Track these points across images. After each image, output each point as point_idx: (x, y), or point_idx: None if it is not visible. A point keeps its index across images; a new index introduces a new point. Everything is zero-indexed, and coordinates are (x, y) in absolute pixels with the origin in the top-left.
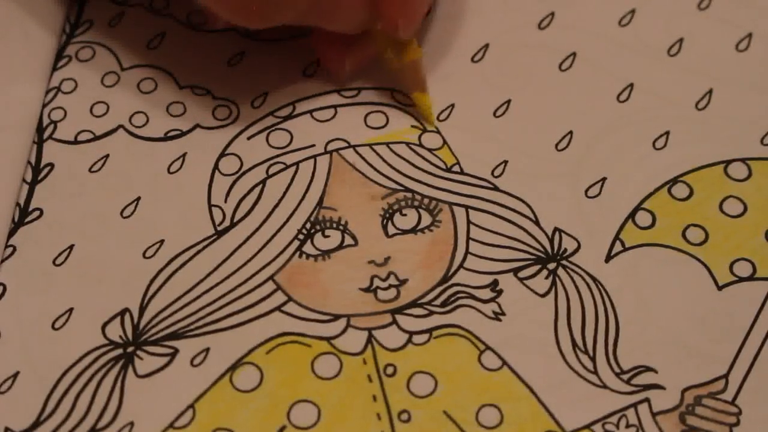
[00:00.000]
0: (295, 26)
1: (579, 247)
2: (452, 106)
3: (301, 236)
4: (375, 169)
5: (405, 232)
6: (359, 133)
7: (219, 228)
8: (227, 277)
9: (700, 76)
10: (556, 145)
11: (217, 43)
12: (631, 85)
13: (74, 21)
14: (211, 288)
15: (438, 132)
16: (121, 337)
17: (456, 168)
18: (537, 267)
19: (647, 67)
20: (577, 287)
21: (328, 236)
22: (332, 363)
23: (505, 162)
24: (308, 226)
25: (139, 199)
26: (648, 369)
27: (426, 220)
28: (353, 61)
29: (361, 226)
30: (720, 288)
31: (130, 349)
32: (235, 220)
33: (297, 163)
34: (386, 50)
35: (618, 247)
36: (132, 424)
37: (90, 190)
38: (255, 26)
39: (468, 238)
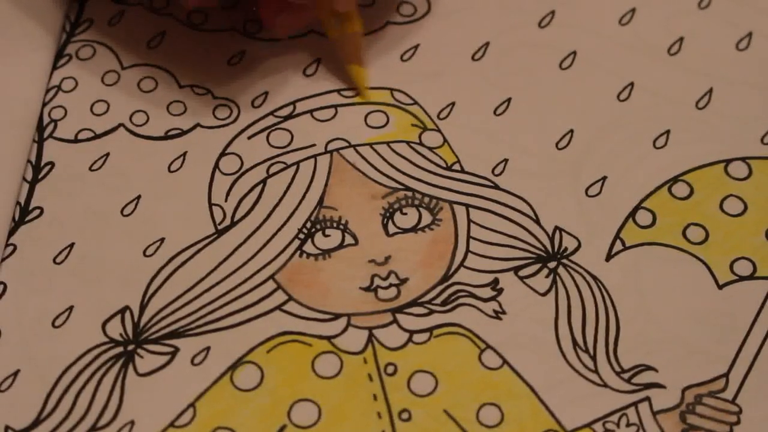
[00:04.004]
0: None
1: (579, 245)
2: (452, 104)
3: (301, 235)
4: (375, 169)
5: (405, 231)
6: (359, 132)
7: (219, 227)
8: (228, 276)
9: (700, 75)
10: (557, 144)
11: (218, 43)
12: (632, 84)
13: (74, 20)
14: (212, 287)
15: (438, 130)
16: (121, 335)
17: (456, 166)
18: (537, 266)
19: (647, 66)
20: (577, 286)
21: (328, 235)
22: (333, 362)
23: (506, 160)
24: (308, 225)
25: (139, 197)
26: (648, 368)
27: (426, 218)
28: (286, 22)
29: (361, 226)
30: (720, 287)
31: (131, 347)
32: (235, 219)
33: (297, 163)
34: (329, 20)
35: (618, 246)
36: (132, 422)
37: (90, 189)
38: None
39: (468, 237)
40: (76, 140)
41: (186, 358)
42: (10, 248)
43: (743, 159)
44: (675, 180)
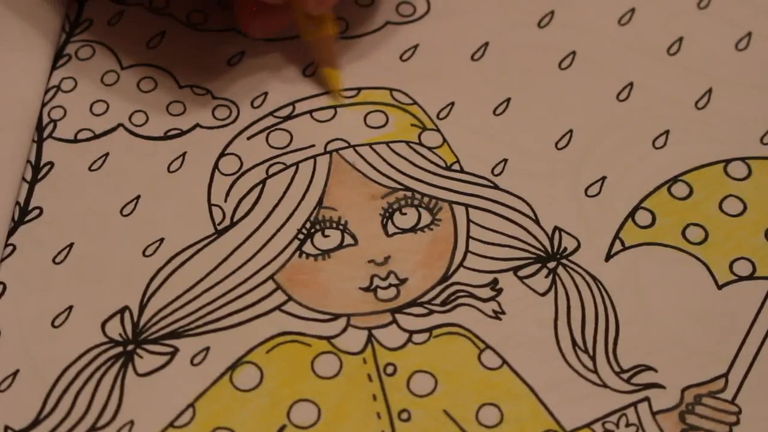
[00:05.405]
0: None
1: (579, 246)
2: (452, 104)
3: (301, 236)
4: (375, 169)
5: (405, 231)
6: (359, 132)
7: (219, 227)
8: (227, 276)
9: (699, 76)
10: (556, 144)
11: (217, 43)
12: (631, 84)
13: (74, 20)
14: (211, 287)
15: (438, 130)
16: (120, 335)
17: (456, 166)
18: (537, 266)
19: (647, 66)
20: (577, 286)
21: (328, 236)
22: (332, 362)
23: (505, 160)
24: (308, 225)
25: (138, 197)
26: (648, 368)
27: (426, 219)
28: (261, 25)
29: (360, 226)
30: (720, 287)
31: (130, 347)
32: (235, 220)
33: (297, 163)
34: (304, 22)
35: (618, 246)
36: (132, 422)
37: (90, 189)
38: None
39: (468, 237)
40: (75, 140)
41: (185, 359)
42: (10, 248)
43: (743, 159)
44: (674, 180)
